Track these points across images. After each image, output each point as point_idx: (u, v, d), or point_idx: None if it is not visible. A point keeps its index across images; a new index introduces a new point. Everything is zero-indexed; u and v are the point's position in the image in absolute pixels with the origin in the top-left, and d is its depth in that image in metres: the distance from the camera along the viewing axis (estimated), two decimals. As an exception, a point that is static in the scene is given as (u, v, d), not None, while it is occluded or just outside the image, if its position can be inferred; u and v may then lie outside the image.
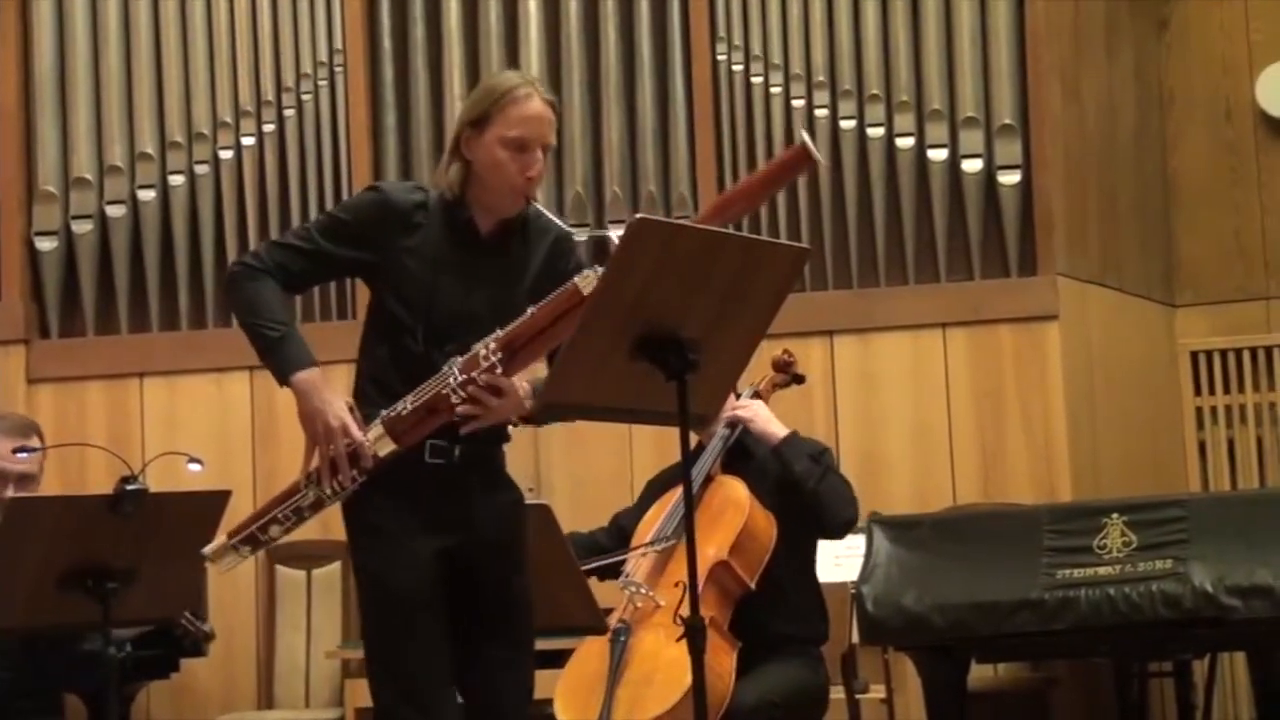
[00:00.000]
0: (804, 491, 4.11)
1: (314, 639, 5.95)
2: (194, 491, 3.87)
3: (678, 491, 4.03)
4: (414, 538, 3.13)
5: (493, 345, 3.08)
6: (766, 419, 4.20)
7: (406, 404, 3.09)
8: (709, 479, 4.13)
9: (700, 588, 3.83)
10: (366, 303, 3.32)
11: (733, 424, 4.20)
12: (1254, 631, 4.58)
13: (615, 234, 3.13)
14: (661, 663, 3.63)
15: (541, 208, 3.27)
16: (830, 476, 4.14)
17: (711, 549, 3.93)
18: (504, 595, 3.22)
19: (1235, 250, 6.59)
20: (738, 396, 4.25)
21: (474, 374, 3.07)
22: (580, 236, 3.24)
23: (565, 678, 3.99)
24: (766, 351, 4.38)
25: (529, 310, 3.09)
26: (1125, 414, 6.20)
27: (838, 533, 4.28)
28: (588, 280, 3.05)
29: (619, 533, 4.29)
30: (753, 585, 3.98)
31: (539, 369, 3.22)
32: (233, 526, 3.22)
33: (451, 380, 3.07)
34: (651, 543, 4.01)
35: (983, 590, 4.66)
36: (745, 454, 4.21)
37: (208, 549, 3.20)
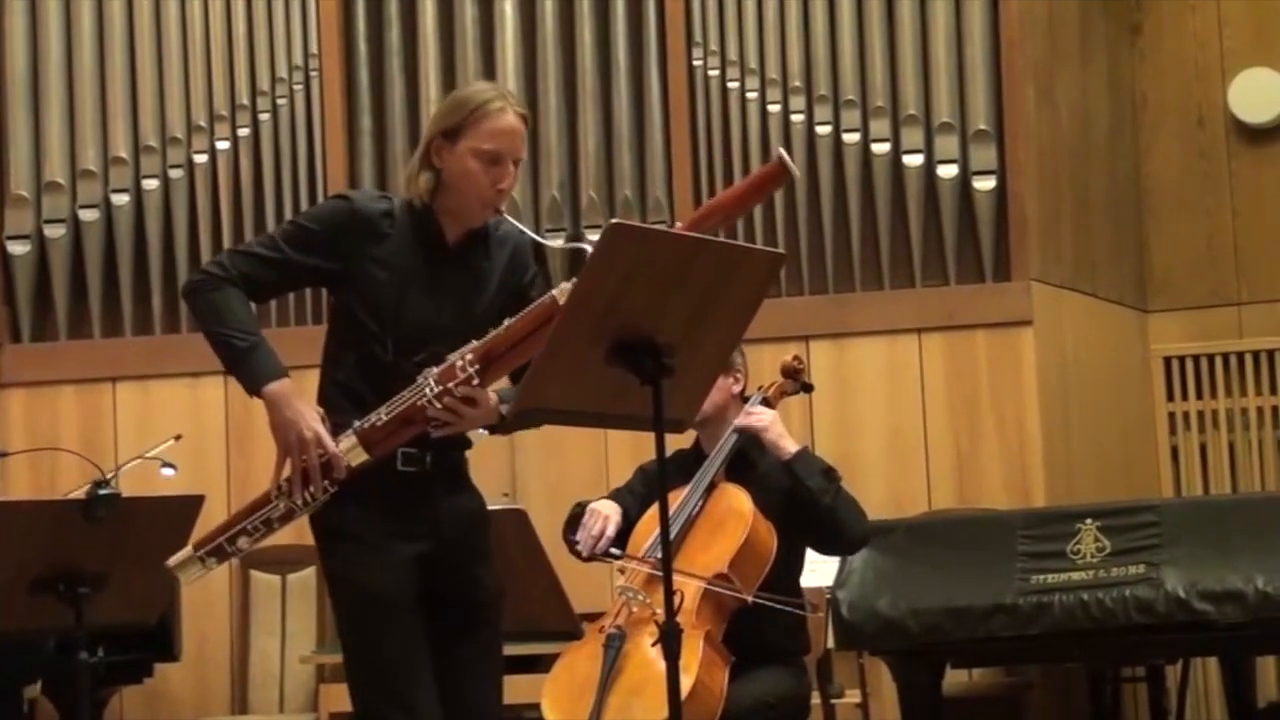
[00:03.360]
0: (819, 508, 4.00)
1: (288, 644, 5.94)
2: (167, 496, 3.86)
3: (679, 496, 4.00)
4: (391, 543, 3.13)
5: (470, 357, 3.07)
6: (780, 432, 4.08)
7: (381, 415, 3.09)
8: (712, 486, 4.06)
9: (697, 600, 3.85)
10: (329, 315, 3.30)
11: (741, 431, 4.10)
12: (1226, 636, 4.60)
13: (589, 248, 3.11)
14: (654, 673, 3.60)
15: (511, 219, 3.26)
16: (843, 493, 4.07)
17: (712, 560, 3.89)
18: (472, 598, 3.23)
19: (1207, 256, 6.62)
20: (746, 401, 4.18)
21: (450, 385, 3.07)
22: (556, 243, 3.24)
23: (554, 678, 3.95)
24: (773, 355, 4.35)
25: (505, 322, 3.09)
26: (1098, 419, 6.22)
27: (853, 549, 4.23)
28: (565, 293, 3.04)
29: (623, 516, 4.19)
30: (750, 599, 3.92)
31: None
32: (200, 537, 3.19)
33: (428, 392, 3.07)
34: (651, 550, 3.93)
35: (957, 595, 4.68)
36: (748, 463, 4.12)
37: (172, 560, 3.16)
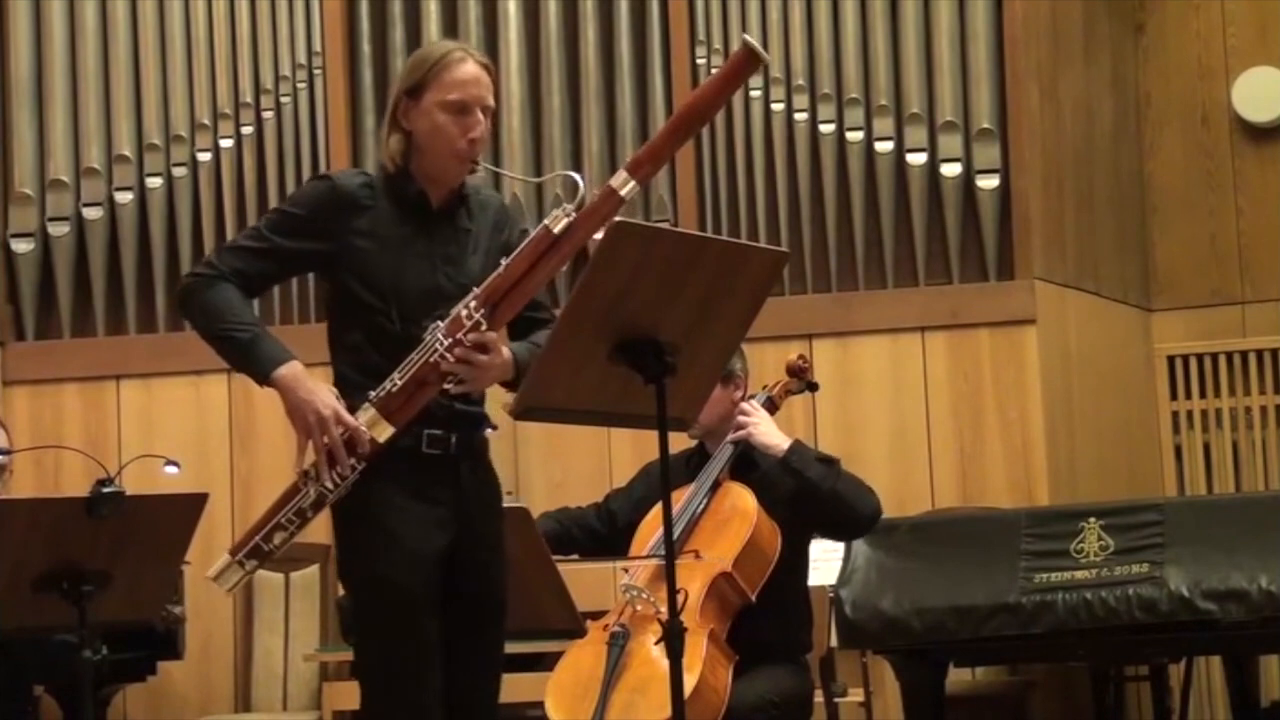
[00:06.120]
0: (824, 494, 3.99)
1: (292, 642, 5.94)
2: (171, 494, 3.86)
3: (683, 495, 4.01)
4: (417, 536, 3.06)
5: (474, 304, 3.03)
6: (767, 431, 4.08)
7: (395, 380, 3.02)
8: (716, 485, 4.06)
9: (701, 598, 3.85)
10: (326, 301, 3.23)
11: (734, 443, 4.10)
12: (1229, 635, 4.60)
13: (580, 177, 3.13)
14: (658, 671, 3.60)
15: (494, 166, 3.20)
16: (844, 474, 4.06)
17: (715, 558, 3.89)
18: (488, 590, 3.18)
19: (1211, 255, 6.62)
20: (749, 399, 4.17)
21: (460, 335, 3.02)
22: (546, 176, 3.19)
23: (558, 677, 3.95)
24: (775, 354, 4.34)
25: (503, 262, 3.05)
26: (1102, 418, 6.22)
27: (868, 526, 4.13)
28: (557, 220, 3.02)
29: (610, 517, 4.23)
30: (753, 597, 3.92)
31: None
32: (234, 543, 3.09)
33: (438, 346, 3.02)
34: (656, 550, 3.92)
35: (961, 594, 4.68)
36: (751, 464, 4.12)
37: (212, 570, 3.07)
